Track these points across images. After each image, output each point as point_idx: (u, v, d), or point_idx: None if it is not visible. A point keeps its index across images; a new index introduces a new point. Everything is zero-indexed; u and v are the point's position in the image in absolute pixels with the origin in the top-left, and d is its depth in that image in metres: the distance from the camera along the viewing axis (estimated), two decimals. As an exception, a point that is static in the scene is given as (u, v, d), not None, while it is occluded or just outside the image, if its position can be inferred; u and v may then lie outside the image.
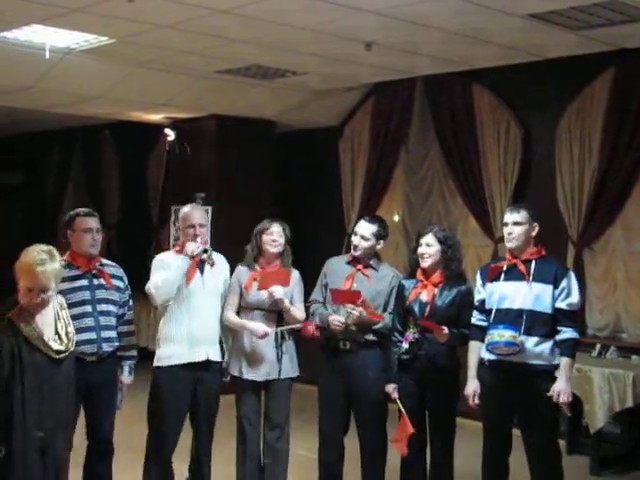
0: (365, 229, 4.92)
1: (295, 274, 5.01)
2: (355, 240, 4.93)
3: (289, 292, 4.91)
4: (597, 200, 6.74)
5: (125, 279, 4.86)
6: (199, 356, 4.77)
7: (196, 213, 4.88)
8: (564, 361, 4.43)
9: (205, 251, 4.78)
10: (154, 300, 4.74)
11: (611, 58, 6.45)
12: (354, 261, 4.98)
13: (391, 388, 4.76)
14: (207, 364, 4.80)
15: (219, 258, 5.00)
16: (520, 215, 4.51)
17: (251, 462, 4.93)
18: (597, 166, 6.73)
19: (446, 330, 4.55)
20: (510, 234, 4.52)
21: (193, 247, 4.72)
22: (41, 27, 5.78)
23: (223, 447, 5.08)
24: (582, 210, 6.83)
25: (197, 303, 4.79)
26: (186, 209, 4.91)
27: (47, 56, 6.25)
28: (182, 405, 4.77)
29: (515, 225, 4.50)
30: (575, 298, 4.48)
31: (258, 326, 4.80)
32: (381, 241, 4.96)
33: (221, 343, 4.90)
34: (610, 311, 6.83)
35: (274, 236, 4.89)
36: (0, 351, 3.71)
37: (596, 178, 6.73)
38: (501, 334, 4.39)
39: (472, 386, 4.60)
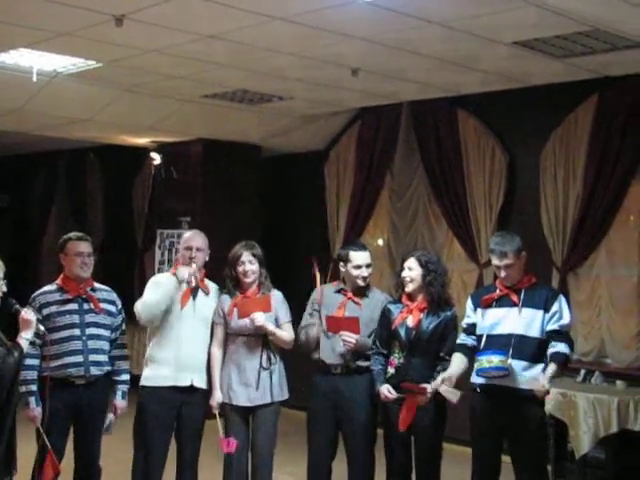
0: (366, 258, 4.90)
1: (278, 295, 4.98)
2: (364, 272, 4.88)
3: (273, 314, 4.88)
4: (581, 225, 6.76)
5: (118, 303, 4.90)
6: (183, 381, 4.78)
7: (197, 237, 4.95)
8: (551, 365, 4.38)
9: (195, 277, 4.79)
10: (139, 319, 4.79)
11: (594, 85, 6.52)
12: (343, 290, 4.97)
13: (385, 389, 4.62)
14: (191, 390, 4.79)
15: (213, 287, 5.00)
16: (509, 258, 4.51)
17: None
18: (581, 192, 6.76)
19: (429, 388, 4.49)
20: (504, 275, 4.55)
21: (184, 272, 4.75)
22: (28, 51, 5.77)
23: (208, 472, 5.04)
24: (566, 235, 6.85)
25: (186, 329, 4.81)
26: (189, 233, 5.03)
27: (34, 79, 6.24)
28: (167, 425, 4.77)
29: (507, 268, 4.53)
30: (567, 320, 4.54)
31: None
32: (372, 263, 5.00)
33: (207, 370, 4.89)
34: (594, 336, 6.83)
35: (245, 267, 4.87)
36: None
37: (580, 204, 6.76)
38: (489, 360, 4.42)
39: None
